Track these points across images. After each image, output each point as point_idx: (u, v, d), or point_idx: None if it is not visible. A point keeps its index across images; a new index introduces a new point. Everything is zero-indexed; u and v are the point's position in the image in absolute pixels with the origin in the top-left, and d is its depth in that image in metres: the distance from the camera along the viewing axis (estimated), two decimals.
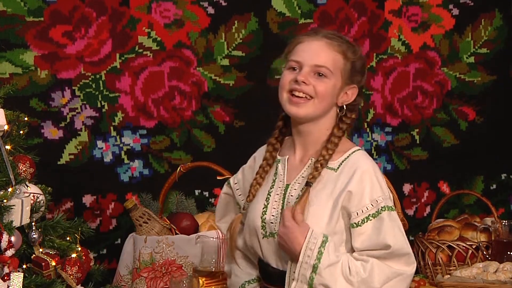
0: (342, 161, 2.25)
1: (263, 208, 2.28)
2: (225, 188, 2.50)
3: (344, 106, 2.27)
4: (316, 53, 2.23)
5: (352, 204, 2.20)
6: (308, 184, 2.21)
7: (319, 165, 2.22)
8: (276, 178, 2.30)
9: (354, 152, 2.27)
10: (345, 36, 2.33)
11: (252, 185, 2.32)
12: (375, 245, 2.19)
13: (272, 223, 2.25)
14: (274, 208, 2.27)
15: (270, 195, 2.29)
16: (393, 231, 2.20)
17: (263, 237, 2.27)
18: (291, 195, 2.26)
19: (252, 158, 2.44)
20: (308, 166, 2.27)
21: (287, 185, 2.28)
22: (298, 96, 2.22)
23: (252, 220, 2.29)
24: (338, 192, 2.21)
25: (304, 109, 2.22)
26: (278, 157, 2.33)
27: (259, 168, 2.33)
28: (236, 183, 2.45)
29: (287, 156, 2.32)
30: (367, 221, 2.20)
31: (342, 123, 2.27)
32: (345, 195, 2.20)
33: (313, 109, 2.23)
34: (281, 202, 2.27)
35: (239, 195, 2.43)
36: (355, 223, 2.20)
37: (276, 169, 2.32)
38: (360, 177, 2.21)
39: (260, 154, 2.40)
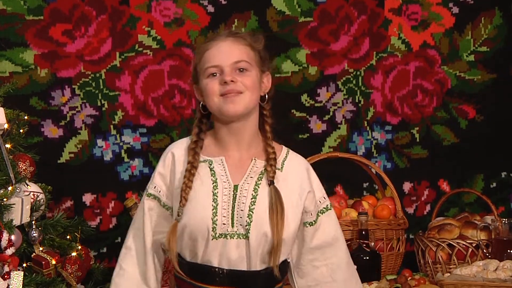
0: (283, 160, 2.34)
1: (213, 209, 2.25)
2: (146, 204, 2.36)
3: (266, 95, 2.34)
4: (229, 52, 2.29)
5: (311, 203, 2.33)
6: (272, 183, 2.27)
7: (273, 164, 2.29)
8: (217, 179, 2.29)
9: (288, 152, 2.38)
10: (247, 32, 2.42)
11: (182, 189, 2.27)
12: (331, 239, 2.35)
13: (224, 224, 2.24)
14: (225, 209, 2.26)
15: (217, 196, 2.26)
16: (339, 226, 2.41)
17: (212, 239, 2.24)
18: (244, 196, 2.27)
19: (169, 155, 2.36)
20: (253, 167, 2.30)
21: (235, 186, 2.28)
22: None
23: (200, 222, 2.25)
24: (294, 192, 2.30)
25: (242, 103, 2.26)
26: (207, 158, 2.32)
27: (186, 171, 2.29)
28: (160, 191, 2.36)
29: (223, 157, 2.32)
30: (318, 217, 2.34)
31: (266, 117, 2.36)
32: (307, 196, 2.32)
33: (249, 101, 2.28)
34: (231, 202, 2.26)
35: (167, 198, 2.35)
36: (313, 221, 2.34)
37: (212, 170, 2.30)
38: (309, 176, 2.35)
39: (180, 152, 2.35)
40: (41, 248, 2.83)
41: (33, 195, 2.81)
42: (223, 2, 3.65)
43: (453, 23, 3.91)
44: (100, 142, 3.56)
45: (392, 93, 3.87)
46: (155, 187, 2.36)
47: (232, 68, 2.27)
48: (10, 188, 2.73)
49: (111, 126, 3.56)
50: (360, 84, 3.83)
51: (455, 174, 3.95)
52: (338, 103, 3.81)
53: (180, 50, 3.62)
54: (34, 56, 3.45)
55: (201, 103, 2.35)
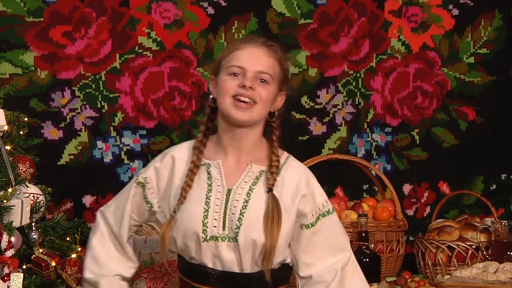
0: (281, 166, 2.34)
1: (204, 212, 2.28)
2: (133, 191, 2.39)
3: (275, 113, 2.36)
4: (258, 60, 2.29)
5: (307, 206, 2.31)
6: (271, 190, 2.28)
7: (274, 172, 2.30)
8: (212, 183, 2.30)
9: (288, 157, 2.38)
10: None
11: (183, 188, 2.30)
12: (334, 246, 2.32)
13: (215, 227, 2.27)
14: (216, 212, 2.28)
15: (209, 199, 2.29)
16: (344, 231, 2.37)
17: (203, 241, 2.26)
18: (236, 200, 2.28)
19: (169, 158, 2.37)
20: (248, 171, 2.32)
21: (229, 190, 2.30)
22: (243, 101, 2.27)
23: (191, 224, 2.28)
24: (287, 196, 2.30)
25: (248, 114, 2.27)
26: (206, 161, 2.34)
27: (189, 171, 2.31)
28: (148, 183, 2.38)
29: (220, 161, 2.33)
30: (318, 220, 2.32)
31: (274, 129, 2.37)
32: (300, 199, 2.30)
33: (257, 114, 2.29)
34: (223, 206, 2.28)
35: (152, 193, 2.38)
36: (310, 223, 2.31)
37: (209, 173, 2.32)
38: (307, 181, 2.33)
39: (180, 155, 2.37)
40: (41, 250, 2.83)
41: (33, 196, 2.81)
42: (223, 4, 3.66)
43: (453, 25, 3.91)
44: (100, 143, 3.56)
45: (392, 95, 3.87)
46: (145, 177, 2.38)
47: (255, 75, 2.27)
48: (10, 189, 2.73)
49: (111, 128, 3.57)
50: (360, 86, 3.83)
51: (455, 176, 3.95)
52: (338, 105, 3.81)
53: (180, 52, 3.62)
54: (34, 57, 3.45)
55: (212, 96, 2.35)
